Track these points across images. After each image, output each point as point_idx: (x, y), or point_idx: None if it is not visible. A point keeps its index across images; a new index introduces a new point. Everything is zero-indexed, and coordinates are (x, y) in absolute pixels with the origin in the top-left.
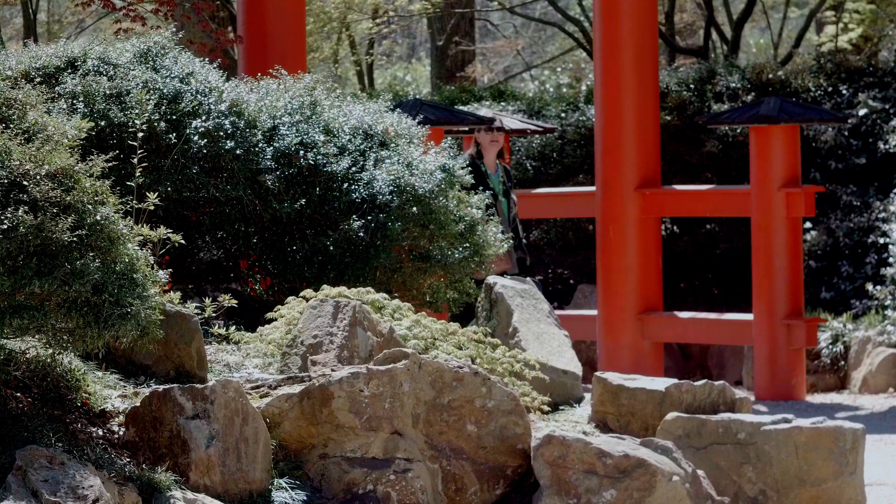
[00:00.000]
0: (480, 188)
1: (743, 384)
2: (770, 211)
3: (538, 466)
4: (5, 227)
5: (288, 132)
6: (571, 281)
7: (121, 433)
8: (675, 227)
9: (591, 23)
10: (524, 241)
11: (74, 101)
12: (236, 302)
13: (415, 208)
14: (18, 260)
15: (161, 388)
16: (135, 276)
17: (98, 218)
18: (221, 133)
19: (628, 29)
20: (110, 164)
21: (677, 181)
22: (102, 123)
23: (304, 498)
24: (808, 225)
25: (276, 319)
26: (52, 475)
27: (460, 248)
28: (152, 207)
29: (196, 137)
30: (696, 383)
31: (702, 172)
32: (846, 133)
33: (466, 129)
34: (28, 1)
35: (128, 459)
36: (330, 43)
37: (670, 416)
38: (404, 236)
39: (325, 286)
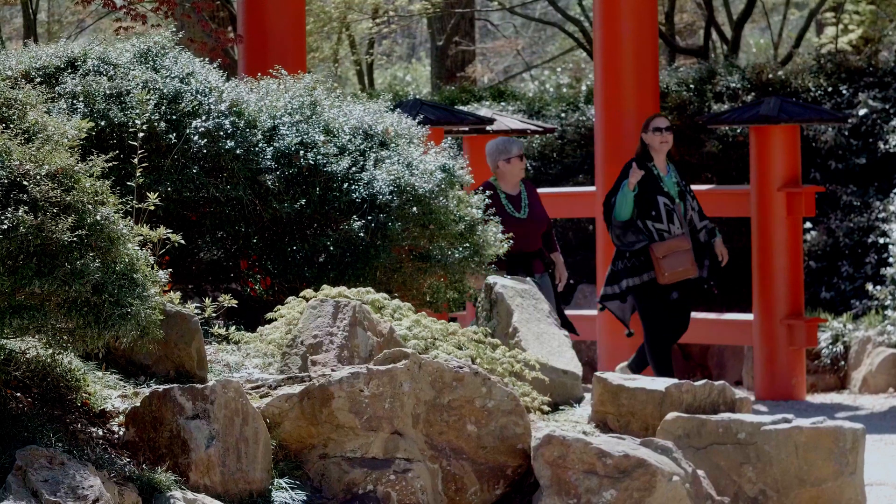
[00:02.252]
0: (656, 194)
1: (743, 384)
2: (770, 211)
3: (538, 466)
4: (5, 227)
5: (288, 132)
6: (571, 281)
7: (121, 433)
8: None
9: (591, 23)
10: (713, 235)
11: (74, 101)
12: (236, 302)
13: (415, 208)
14: (18, 260)
15: (161, 388)
16: (135, 276)
17: (98, 218)
18: (221, 133)
19: (628, 29)
20: (110, 164)
21: None
22: (102, 123)
23: (304, 498)
24: (808, 225)
25: (276, 319)
26: (52, 475)
27: (460, 248)
28: (152, 207)
29: (196, 137)
30: (696, 383)
31: (702, 172)
32: (846, 133)
33: (467, 129)
34: (28, 1)
35: (128, 459)
36: (330, 43)
37: (670, 416)
38: (404, 236)
39: (325, 286)
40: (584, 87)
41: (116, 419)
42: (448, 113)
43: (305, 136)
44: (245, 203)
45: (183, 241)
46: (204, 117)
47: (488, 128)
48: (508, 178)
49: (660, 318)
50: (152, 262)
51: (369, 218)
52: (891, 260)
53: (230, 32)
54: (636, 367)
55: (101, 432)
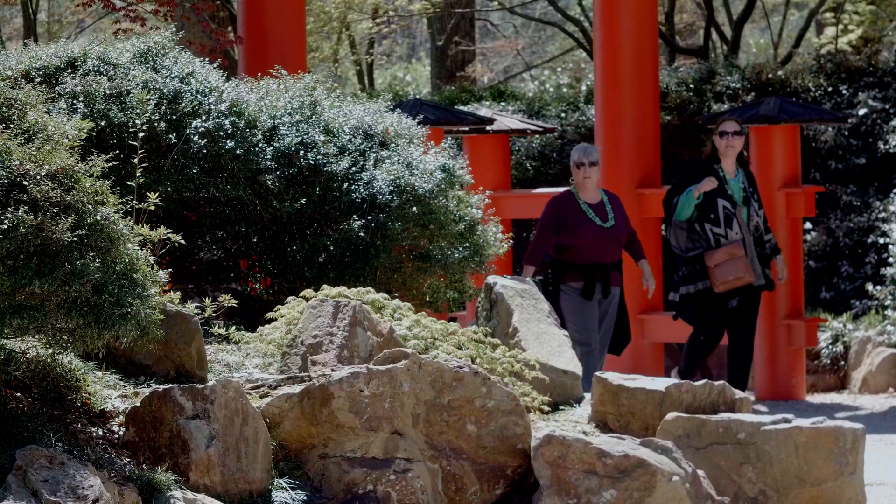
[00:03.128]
0: (718, 197)
1: None
2: (770, 211)
3: (538, 466)
4: (5, 227)
5: (288, 132)
6: None
7: (121, 433)
8: None
9: (591, 23)
10: (776, 252)
11: (74, 101)
12: (236, 302)
13: (415, 208)
14: (18, 260)
15: (161, 388)
16: (135, 276)
17: (98, 218)
18: (221, 133)
19: (628, 29)
20: (110, 164)
21: None
22: (102, 123)
23: (304, 498)
24: (808, 225)
25: (276, 319)
26: (52, 475)
27: (460, 248)
28: (152, 207)
29: (196, 137)
30: (696, 383)
31: None
32: (846, 133)
33: (467, 129)
34: (28, 1)
35: (128, 459)
36: (330, 43)
37: (670, 416)
38: (404, 236)
39: (325, 286)
40: (584, 87)
41: (116, 419)
42: (448, 113)
43: (305, 136)
44: (245, 203)
45: (183, 241)
46: (204, 117)
47: (488, 128)
48: (580, 186)
49: (709, 328)
50: (152, 262)
51: (369, 218)
52: (891, 260)
53: (230, 33)
54: (734, 380)
55: (101, 432)
